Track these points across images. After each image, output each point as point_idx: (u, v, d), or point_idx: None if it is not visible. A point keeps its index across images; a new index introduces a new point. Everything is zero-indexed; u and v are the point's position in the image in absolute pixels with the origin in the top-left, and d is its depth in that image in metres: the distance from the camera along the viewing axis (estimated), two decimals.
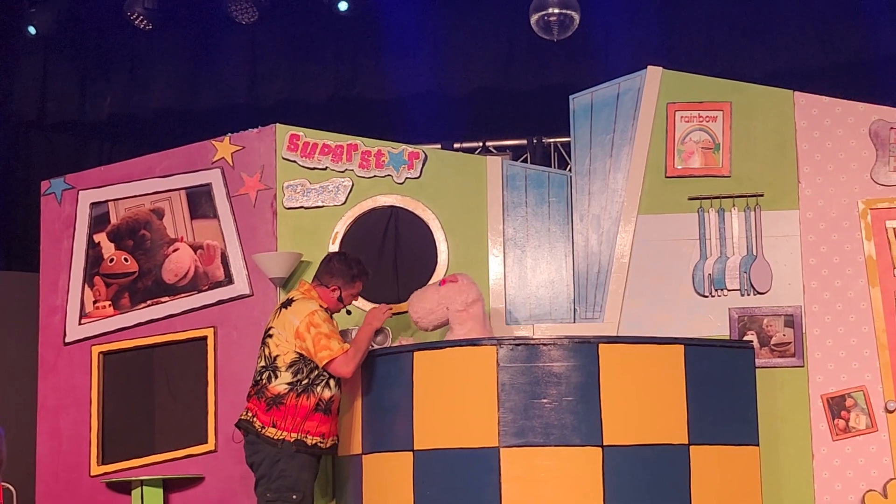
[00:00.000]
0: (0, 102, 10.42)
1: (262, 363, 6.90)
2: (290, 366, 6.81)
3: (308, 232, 7.85)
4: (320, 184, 7.90)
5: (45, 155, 10.71)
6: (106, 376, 7.93)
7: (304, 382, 6.80)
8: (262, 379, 6.88)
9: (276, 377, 6.82)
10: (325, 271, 7.07)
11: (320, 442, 6.87)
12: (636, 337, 6.87)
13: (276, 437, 6.78)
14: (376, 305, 7.10)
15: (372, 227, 7.88)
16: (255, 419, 6.85)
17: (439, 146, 10.03)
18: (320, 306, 6.91)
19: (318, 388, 6.82)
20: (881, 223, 7.40)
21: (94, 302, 8.01)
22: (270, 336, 6.90)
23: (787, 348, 7.36)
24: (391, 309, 7.07)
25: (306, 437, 6.81)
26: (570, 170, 7.95)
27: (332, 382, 6.86)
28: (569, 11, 9.34)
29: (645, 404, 6.44)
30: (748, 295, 7.42)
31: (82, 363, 7.94)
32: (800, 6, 9.36)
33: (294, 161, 7.93)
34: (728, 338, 7.35)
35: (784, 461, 7.21)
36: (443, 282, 7.19)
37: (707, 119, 7.60)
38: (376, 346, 7.45)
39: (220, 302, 7.88)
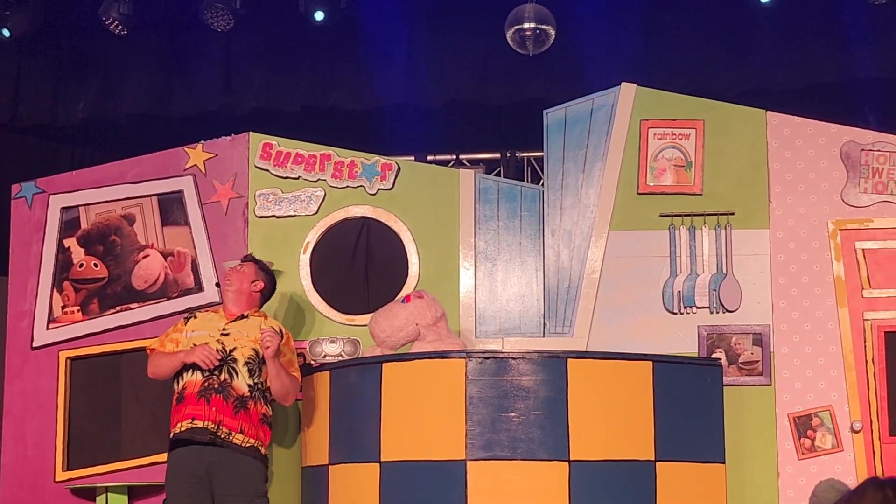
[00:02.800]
0: None
1: None
2: None
3: (279, 241, 7.84)
4: (292, 193, 7.89)
5: (17, 158, 10.64)
6: (73, 382, 7.89)
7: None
8: None
9: None
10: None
11: (178, 430, 6.81)
12: (605, 352, 6.88)
13: None
14: (208, 350, 6.86)
15: (343, 237, 7.87)
16: None
17: (413, 158, 10.03)
18: (189, 310, 7.38)
19: (174, 383, 6.94)
20: (850, 244, 7.44)
21: (63, 307, 7.97)
22: None
23: (754, 367, 7.38)
24: (216, 359, 6.87)
25: (174, 429, 6.85)
26: (542, 184, 7.96)
27: (181, 374, 6.89)
28: (545, 27, 9.35)
29: (612, 420, 6.45)
30: (717, 313, 7.45)
31: (49, 368, 7.90)
32: (775, 27, 9.39)
33: (267, 170, 7.92)
34: (696, 355, 7.37)
35: (750, 479, 7.23)
36: (407, 298, 7.17)
37: (680, 137, 7.63)
38: (346, 357, 7.45)
39: (189, 309, 7.84)
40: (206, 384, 6.80)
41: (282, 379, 6.91)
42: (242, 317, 7.03)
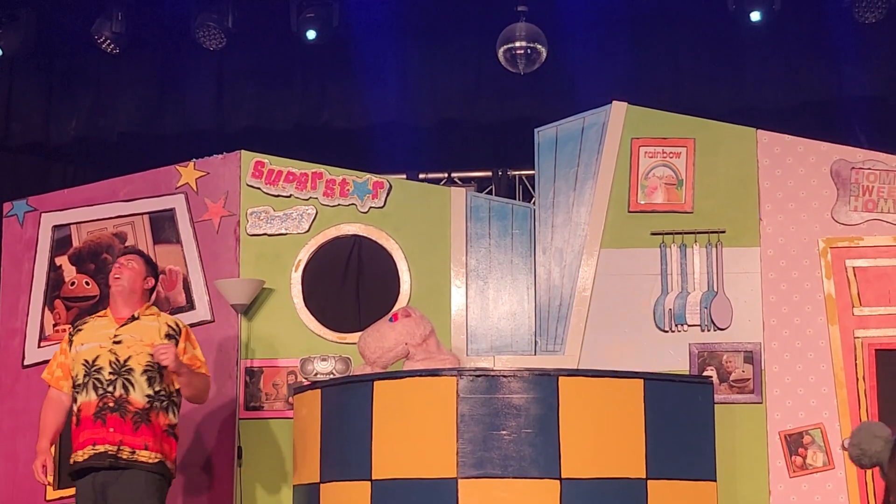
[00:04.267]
0: None
1: None
2: None
3: (271, 259, 7.84)
4: (284, 211, 7.90)
5: (8, 176, 10.64)
6: None
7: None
8: None
9: None
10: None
11: (78, 456, 6.37)
12: (596, 370, 6.87)
13: None
14: (38, 472, 6.40)
15: (335, 255, 7.88)
16: None
17: (404, 176, 10.06)
18: (72, 326, 6.75)
19: (73, 404, 6.52)
20: (841, 262, 7.45)
21: (54, 325, 7.97)
22: None
23: (745, 384, 7.39)
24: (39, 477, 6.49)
25: (72, 457, 6.45)
26: (534, 202, 7.98)
27: (77, 392, 6.46)
28: (536, 45, 9.39)
29: (603, 438, 6.44)
30: (708, 331, 7.46)
31: (41, 387, 7.84)
32: (766, 45, 9.43)
33: (258, 188, 7.93)
34: (688, 373, 7.38)
35: (741, 497, 7.23)
36: (394, 316, 7.14)
37: (671, 155, 7.65)
38: (337, 375, 7.45)
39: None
40: (100, 404, 6.34)
41: (192, 384, 6.53)
42: (133, 318, 6.52)
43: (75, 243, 8.07)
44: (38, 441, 6.50)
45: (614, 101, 7.74)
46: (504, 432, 6.34)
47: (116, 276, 6.59)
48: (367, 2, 9.64)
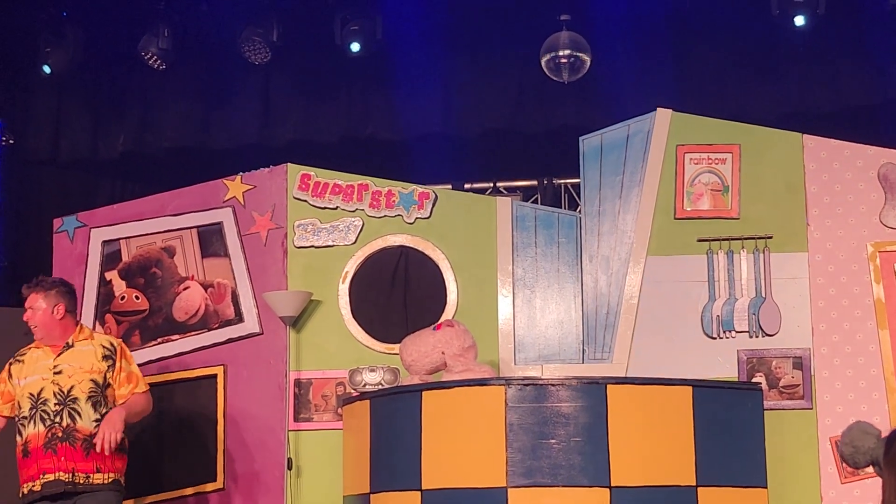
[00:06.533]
0: (14, 140, 10.48)
1: None
2: None
3: (318, 271, 7.88)
4: (331, 223, 7.93)
5: (58, 193, 10.75)
6: None
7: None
8: None
9: None
10: None
11: (31, 486, 6.48)
12: (644, 378, 6.87)
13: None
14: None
15: (382, 266, 7.91)
16: None
17: (450, 186, 10.07)
18: (13, 358, 6.77)
19: (17, 436, 6.62)
20: (890, 266, 7.41)
21: None
22: None
23: (795, 390, 7.36)
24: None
25: (24, 487, 6.53)
26: (579, 211, 7.98)
27: (22, 425, 6.57)
28: (579, 54, 9.40)
29: (653, 445, 6.43)
30: (757, 337, 7.43)
31: None
32: (809, 50, 9.39)
33: (305, 200, 7.97)
34: (736, 379, 7.35)
35: None
36: (437, 326, 7.18)
37: (716, 161, 7.63)
38: (385, 385, 7.47)
39: (230, 340, 7.90)
40: (49, 435, 6.46)
41: (136, 413, 6.71)
42: (68, 346, 6.64)
43: (125, 258, 8.13)
44: None
45: (659, 109, 7.73)
46: (553, 441, 6.35)
47: (31, 324, 6.70)
48: (410, 13, 9.68)
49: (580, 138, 7.92)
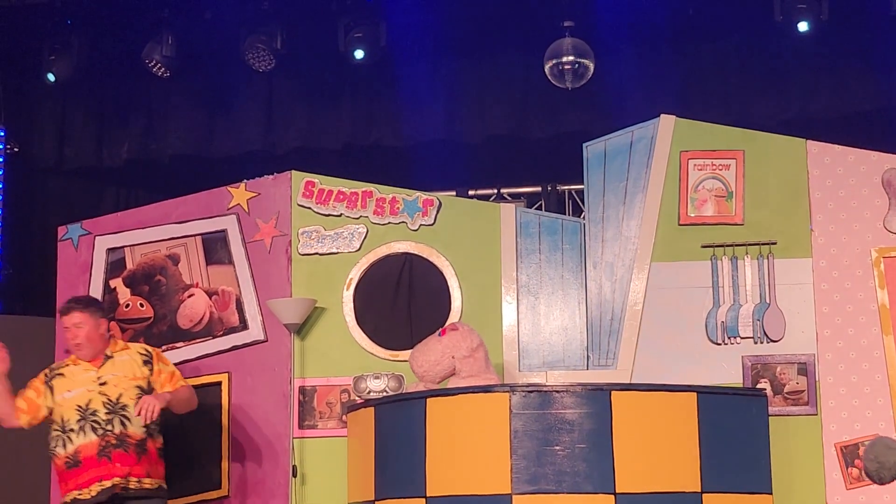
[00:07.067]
0: (19, 148, 10.50)
1: None
2: None
3: (323, 278, 7.88)
4: (335, 230, 7.94)
5: (62, 200, 10.77)
6: None
7: (50, 444, 6.90)
8: None
9: None
10: None
11: (79, 494, 6.74)
12: (649, 384, 6.87)
13: None
14: None
15: (386, 273, 7.91)
16: None
17: (454, 193, 10.08)
18: (46, 371, 7.03)
19: (58, 449, 6.85)
20: (894, 271, 7.41)
21: None
22: None
23: (800, 396, 7.36)
24: None
25: (66, 497, 6.77)
26: (583, 217, 7.98)
27: (68, 437, 6.81)
28: (583, 60, 9.40)
29: (658, 452, 6.43)
30: (761, 343, 7.43)
31: None
32: (813, 55, 9.39)
33: (309, 208, 7.98)
34: (741, 385, 7.35)
35: None
36: (442, 332, 7.17)
37: (720, 167, 7.64)
38: (390, 393, 7.48)
39: (234, 347, 7.91)
40: (103, 443, 6.77)
41: (180, 401, 7.06)
42: (108, 358, 6.99)
43: (129, 266, 8.14)
44: None
45: (662, 115, 7.73)
46: (557, 447, 6.35)
47: (76, 342, 6.96)
48: (414, 20, 9.69)
49: (584, 144, 7.93)
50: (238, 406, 7.82)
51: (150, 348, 7.16)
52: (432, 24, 9.69)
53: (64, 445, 6.82)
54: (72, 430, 6.80)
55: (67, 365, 7.01)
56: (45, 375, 7.00)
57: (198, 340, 7.97)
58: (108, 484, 6.72)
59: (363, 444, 7.01)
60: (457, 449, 6.51)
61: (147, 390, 6.92)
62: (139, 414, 6.73)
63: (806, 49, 9.38)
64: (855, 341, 7.37)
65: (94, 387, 6.87)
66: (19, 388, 7.00)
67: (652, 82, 9.49)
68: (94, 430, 6.78)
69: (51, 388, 6.92)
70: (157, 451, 6.93)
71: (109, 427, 6.78)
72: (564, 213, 10.59)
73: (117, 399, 6.84)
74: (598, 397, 6.43)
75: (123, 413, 6.81)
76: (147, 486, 6.83)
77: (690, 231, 7.60)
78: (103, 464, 6.74)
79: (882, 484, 5.10)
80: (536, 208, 10.40)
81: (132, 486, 6.77)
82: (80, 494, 6.73)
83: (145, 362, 7.02)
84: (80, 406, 6.83)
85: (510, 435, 6.39)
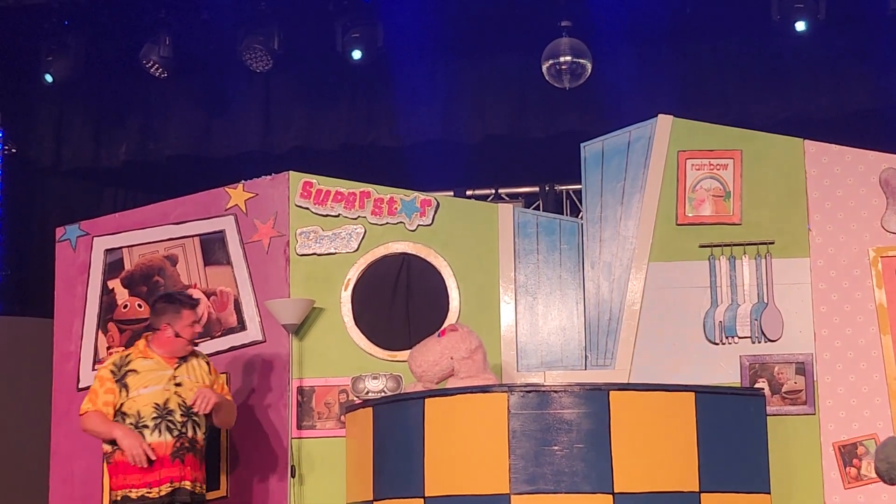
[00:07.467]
0: (17, 149, 10.50)
1: None
2: None
3: (320, 279, 7.89)
4: (333, 231, 7.94)
5: (61, 201, 10.78)
6: None
7: None
8: None
9: None
10: (153, 314, 7.04)
11: (147, 493, 6.71)
12: (647, 384, 6.88)
13: (111, 500, 6.81)
14: (136, 442, 6.69)
15: (384, 274, 7.91)
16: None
17: (452, 193, 10.09)
18: (114, 363, 6.86)
19: None
20: (892, 271, 7.41)
21: (108, 348, 8.03)
22: None
23: (798, 396, 7.36)
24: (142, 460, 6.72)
25: (129, 492, 6.71)
26: (581, 217, 7.99)
27: (141, 433, 6.72)
28: (580, 60, 9.41)
29: (656, 451, 6.44)
30: (759, 342, 7.44)
31: None
32: (810, 55, 9.41)
33: (307, 208, 7.98)
34: (739, 385, 7.35)
35: None
36: (441, 332, 7.18)
37: (718, 167, 7.64)
38: (388, 393, 7.48)
39: (232, 348, 7.91)
40: (178, 444, 6.77)
41: (228, 412, 7.10)
42: (184, 359, 6.96)
43: (127, 266, 8.14)
44: (113, 431, 6.72)
45: (660, 115, 7.73)
46: (556, 447, 6.35)
47: (196, 337, 7.06)
48: (412, 21, 9.69)
49: (582, 144, 7.93)
50: (236, 407, 7.81)
51: (207, 359, 7.12)
52: (430, 25, 9.69)
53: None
54: (146, 426, 6.74)
55: (137, 358, 6.89)
56: (114, 373, 6.82)
57: (196, 341, 7.95)
58: (177, 485, 6.74)
59: (361, 445, 7.01)
60: (455, 449, 6.51)
61: None
62: (194, 403, 6.75)
63: (803, 49, 9.39)
64: (853, 341, 7.37)
65: (171, 386, 6.82)
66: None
67: (649, 82, 9.50)
68: (169, 430, 6.76)
69: (125, 386, 6.80)
70: (123, 461, 6.76)
71: (184, 430, 6.78)
72: (562, 214, 10.60)
73: (192, 404, 6.85)
74: (597, 397, 6.43)
75: (195, 418, 6.82)
76: (201, 491, 6.88)
77: (688, 231, 7.60)
78: (176, 465, 6.74)
79: (893, 484, 5.11)
80: (534, 208, 10.41)
81: (197, 491, 6.83)
82: (149, 493, 6.70)
83: (210, 371, 7.04)
84: (157, 404, 6.77)
85: (508, 435, 6.39)
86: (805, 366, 7.38)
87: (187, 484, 6.77)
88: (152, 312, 7.06)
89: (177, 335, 6.89)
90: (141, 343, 6.96)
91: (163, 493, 6.71)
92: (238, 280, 7.98)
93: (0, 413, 9.08)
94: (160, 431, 6.74)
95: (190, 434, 6.80)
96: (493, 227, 7.88)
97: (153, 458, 6.66)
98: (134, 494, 6.70)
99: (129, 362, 6.86)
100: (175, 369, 6.87)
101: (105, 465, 6.99)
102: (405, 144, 10.05)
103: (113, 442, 6.72)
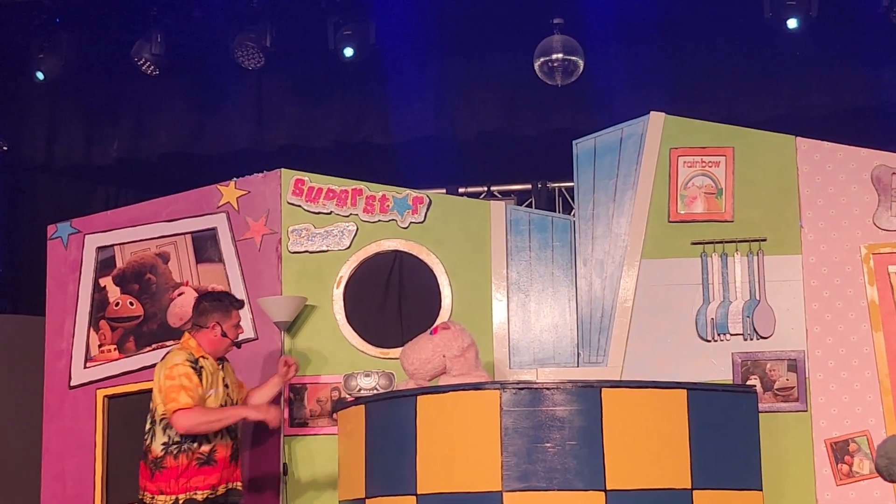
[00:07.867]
0: (8, 147, 10.48)
1: (148, 422, 6.88)
2: (162, 422, 6.78)
3: (313, 276, 7.88)
4: (325, 228, 7.94)
5: (52, 199, 10.76)
6: (111, 420, 7.94)
7: (176, 440, 6.74)
8: (146, 439, 6.84)
9: (155, 437, 6.79)
10: (199, 314, 7.01)
11: (211, 494, 6.78)
12: (639, 381, 6.86)
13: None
14: (275, 413, 6.94)
15: (376, 271, 7.91)
16: (144, 494, 6.80)
17: (444, 191, 10.08)
18: (188, 359, 6.79)
19: (195, 444, 6.77)
20: (884, 268, 7.42)
21: (100, 346, 8.04)
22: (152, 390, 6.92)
23: (790, 393, 7.37)
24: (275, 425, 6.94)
25: (195, 494, 6.74)
26: (573, 214, 7.99)
27: (205, 435, 6.78)
28: (573, 57, 9.40)
29: (648, 448, 6.43)
30: (751, 339, 7.44)
31: (87, 407, 7.95)
32: (803, 52, 9.41)
33: (299, 205, 7.97)
34: (731, 382, 7.36)
35: None
36: (434, 330, 7.17)
37: (710, 164, 7.64)
38: (380, 390, 7.47)
39: (192, 362, 7.86)
40: (234, 447, 6.92)
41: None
42: (222, 361, 7.07)
43: (119, 264, 8.13)
44: (239, 412, 6.89)
45: (652, 112, 7.74)
46: (548, 445, 6.34)
47: (242, 331, 7.20)
48: (404, 18, 9.69)
49: (574, 142, 7.93)
50: None
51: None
52: (422, 22, 9.69)
53: (201, 443, 6.77)
54: None
55: (199, 356, 6.88)
56: (193, 368, 6.79)
57: None
58: (232, 486, 6.88)
59: (354, 442, 7.00)
60: (447, 446, 6.50)
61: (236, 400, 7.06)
62: (293, 365, 7.21)
63: (795, 46, 9.39)
64: (845, 338, 7.38)
65: (223, 389, 6.91)
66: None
67: (641, 79, 9.50)
68: (229, 432, 6.87)
69: (200, 382, 6.83)
70: (188, 464, 6.80)
71: (236, 432, 6.92)
72: (554, 211, 10.60)
73: (275, 425, 6.97)
74: (589, 394, 6.42)
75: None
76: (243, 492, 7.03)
77: (680, 228, 7.60)
78: (233, 467, 6.90)
79: (892, 481, 5.13)
80: (526, 206, 10.39)
81: (242, 491, 6.97)
82: (212, 493, 6.77)
83: (233, 371, 7.13)
84: (221, 406, 6.86)
85: (501, 432, 6.38)
86: (797, 363, 7.39)
87: (239, 485, 6.94)
88: (197, 311, 7.03)
89: (223, 335, 6.92)
90: (192, 342, 6.92)
91: (219, 493, 6.81)
92: (230, 277, 7.98)
93: None
94: (222, 434, 6.83)
95: (147, 441, 6.82)
96: (486, 225, 7.88)
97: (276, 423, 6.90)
98: (200, 496, 6.75)
99: (196, 359, 6.85)
100: (222, 371, 6.97)
101: (149, 470, 6.81)
102: (397, 142, 10.04)
103: (194, 438, 6.72)
